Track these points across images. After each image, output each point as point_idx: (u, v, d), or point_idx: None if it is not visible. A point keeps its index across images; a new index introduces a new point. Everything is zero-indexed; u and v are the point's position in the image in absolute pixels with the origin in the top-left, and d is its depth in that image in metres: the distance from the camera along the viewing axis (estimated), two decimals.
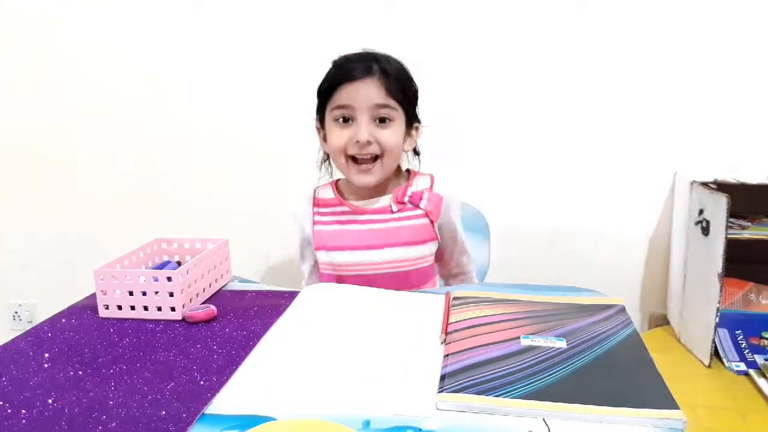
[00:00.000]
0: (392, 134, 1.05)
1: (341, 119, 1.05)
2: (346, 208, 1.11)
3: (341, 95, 1.03)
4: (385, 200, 1.10)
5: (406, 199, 1.09)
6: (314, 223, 1.13)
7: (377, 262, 1.08)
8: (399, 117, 1.06)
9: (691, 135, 1.56)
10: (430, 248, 1.11)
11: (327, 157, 1.16)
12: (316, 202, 1.14)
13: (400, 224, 1.09)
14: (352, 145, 1.03)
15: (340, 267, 1.10)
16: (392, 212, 1.09)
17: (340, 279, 1.10)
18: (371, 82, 1.02)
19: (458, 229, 1.15)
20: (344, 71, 1.04)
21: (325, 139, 1.11)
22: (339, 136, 1.05)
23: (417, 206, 1.09)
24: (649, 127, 1.57)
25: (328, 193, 1.14)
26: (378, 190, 1.11)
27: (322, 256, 1.12)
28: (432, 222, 1.10)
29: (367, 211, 1.10)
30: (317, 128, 1.13)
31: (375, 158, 1.05)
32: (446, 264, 1.19)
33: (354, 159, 1.05)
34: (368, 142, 1.03)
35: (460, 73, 1.59)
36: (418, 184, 1.12)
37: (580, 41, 1.55)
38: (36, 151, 1.81)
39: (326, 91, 1.06)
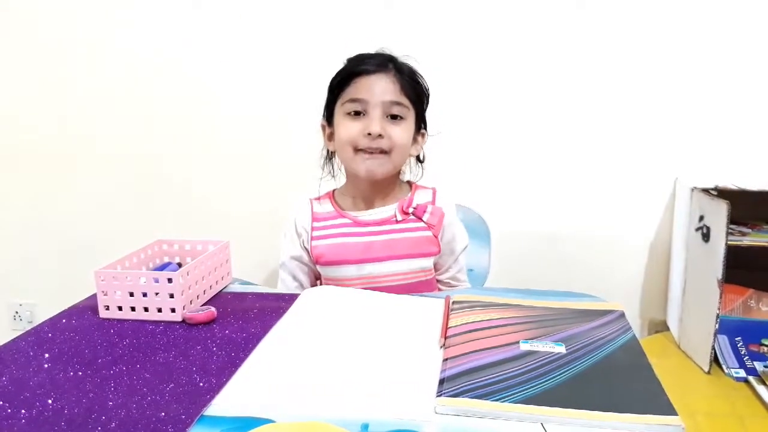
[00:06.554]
0: (403, 132, 1.05)
1: (353, 112, 1.04)
2: (346, 220, 1.09)
3: (355, 88, 1.03)
4: (387, 210, 1.09)
5: (410, 210, 1.07)
6: (312, 239, 1.09)
7: (382, 274, 1.06)
8: (410, 116, 1.06)
9: (692, 141, 1.56)
10: (432, 261, 1.10)
11: (330, 156, 1.15)
12: (315, 217, 1.11)
13: (403, 236, 1.07)
14: (363, 138, 1.02)
15: (344, 281, 1.06)
16: (396, 222, 1.07)
17: None
18: (385, 77, 1.03)
19: (459, 248, 1.13)
20: (359, 65, 1.04)
21: (329, 137, 1.10)
22: (350, 127, 1.03)
23: (420, 219, 1.08)
24: (649, 133, 1.58)
25: (326, 207, 1.12)
26: (379, 199, 1.10)
27: (325, 272, 1.09)
28: (435, 236, 1.08)
29: (369, 222, 1.08)
30: (322, 126, 1.11)
31: (383, 153, 1.04)
32: (441, 275, 1.16)
33: (362, 151, 1.04)
34: (380, 136, 1.02)
35: (460, 78, 1.59)
36: (420, 197, 1.11)
37: (580, 47, 1.55)
38: (36, 151, 1.81)
39: (339, 85, 1.05)
